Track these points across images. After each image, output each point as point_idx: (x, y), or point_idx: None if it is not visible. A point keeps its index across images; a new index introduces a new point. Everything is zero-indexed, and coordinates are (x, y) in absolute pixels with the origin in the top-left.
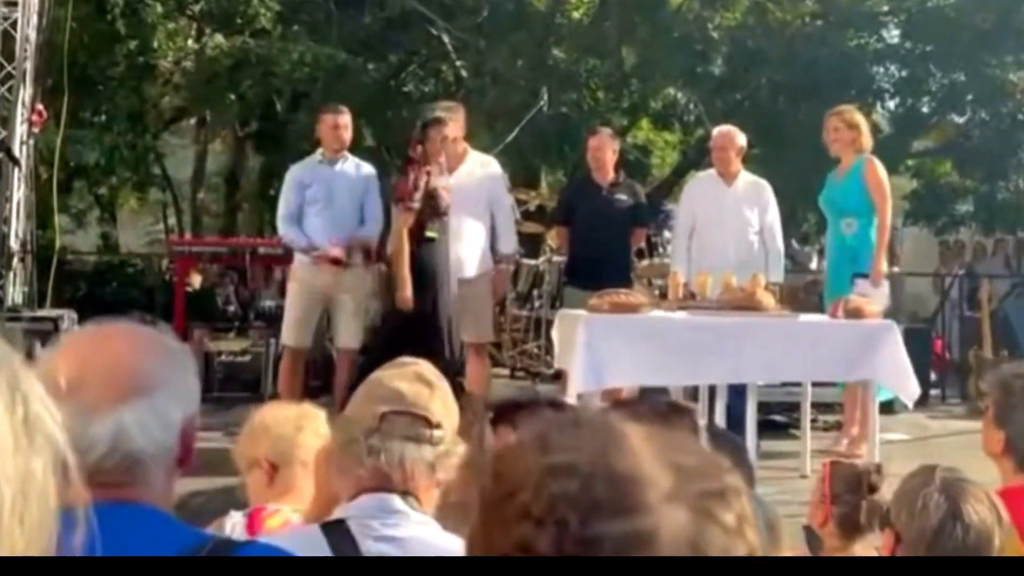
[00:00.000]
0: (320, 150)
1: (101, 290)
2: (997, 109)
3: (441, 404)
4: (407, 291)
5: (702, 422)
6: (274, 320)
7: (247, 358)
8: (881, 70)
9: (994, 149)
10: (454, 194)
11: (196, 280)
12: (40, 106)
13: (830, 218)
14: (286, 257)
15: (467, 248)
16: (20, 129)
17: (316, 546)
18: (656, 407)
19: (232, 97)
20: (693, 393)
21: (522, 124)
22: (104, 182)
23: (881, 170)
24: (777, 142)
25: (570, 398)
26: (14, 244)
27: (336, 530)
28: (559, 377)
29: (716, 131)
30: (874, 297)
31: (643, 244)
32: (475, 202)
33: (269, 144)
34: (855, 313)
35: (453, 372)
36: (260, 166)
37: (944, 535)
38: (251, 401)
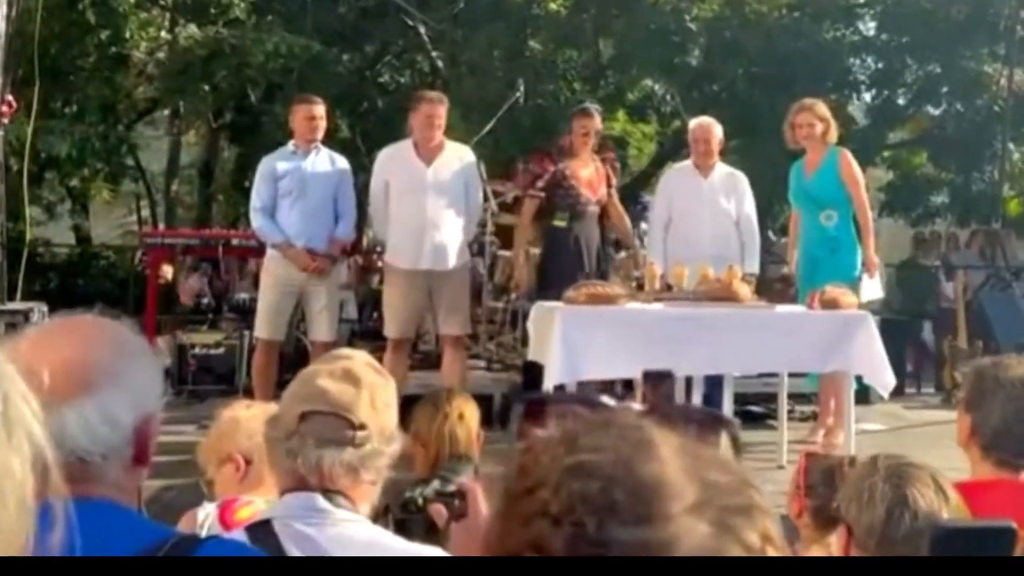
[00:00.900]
0: (293, 141)
1: (73, 282)
2: (972, 101)
3: (367, 404)
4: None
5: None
6: (248, 313)
7: (220, 351)
8: (857, 62)
9: (969, 141)
10: (433, 185)
11: (168, 272)
12: (10, 97)
13: (804, 211)
14: (260, 249)
15: (446, 239)
16: None
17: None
18: (695, 415)
19: (206, 88)
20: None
21: (498, 115)
22: (76, 174)
23: (854, 161)
24: (754, 134)
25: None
26: None
27: (261, 531)
28: (529, 369)
29: (694, 123)
30: (870, 288)
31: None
32: (454, 193)
33: (244, 135)
34: (831, 304)
35: None
36: (235, 158)
37: (892, 523)
38: (225, 394)
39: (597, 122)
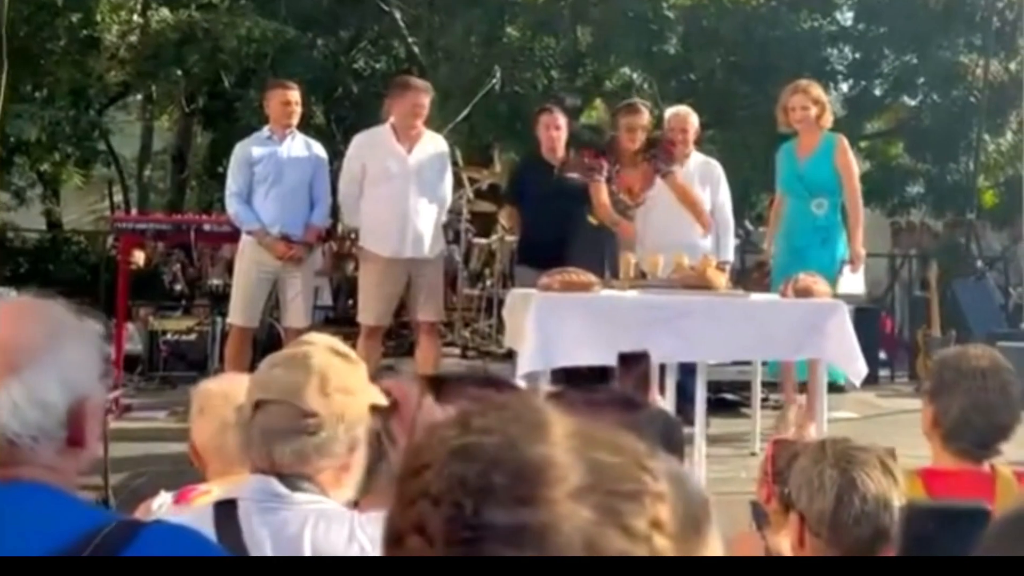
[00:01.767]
0: (268, 127)
1: (43, 268)
2: (948, 92)
3: (317, 391)
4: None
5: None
6: (221, 299)
7: (192, 337)
8: (835, 52)
9: (945, 131)
10: (415, 173)
11: (140, 258)
12: None
13: (794, 197)
14: (233, 235)
15: (426, 227)
16: None
17: (204, 522)
18: (614, 397)
19: (179, 72)
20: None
21: (475, 102)
22: (46, 159)
23: (850, 150)
24: (731, 123)
25: (519, 377)
26: None
27: (226, 509)
28: (510, 356)
29: (670, 112)
30: (851, 282)
31: None
32: (433, 181)
33: (217, 120)
34: (804, 292)
35: None
36: (208, 143)
37: (842, 507)
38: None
39: (644, 118)
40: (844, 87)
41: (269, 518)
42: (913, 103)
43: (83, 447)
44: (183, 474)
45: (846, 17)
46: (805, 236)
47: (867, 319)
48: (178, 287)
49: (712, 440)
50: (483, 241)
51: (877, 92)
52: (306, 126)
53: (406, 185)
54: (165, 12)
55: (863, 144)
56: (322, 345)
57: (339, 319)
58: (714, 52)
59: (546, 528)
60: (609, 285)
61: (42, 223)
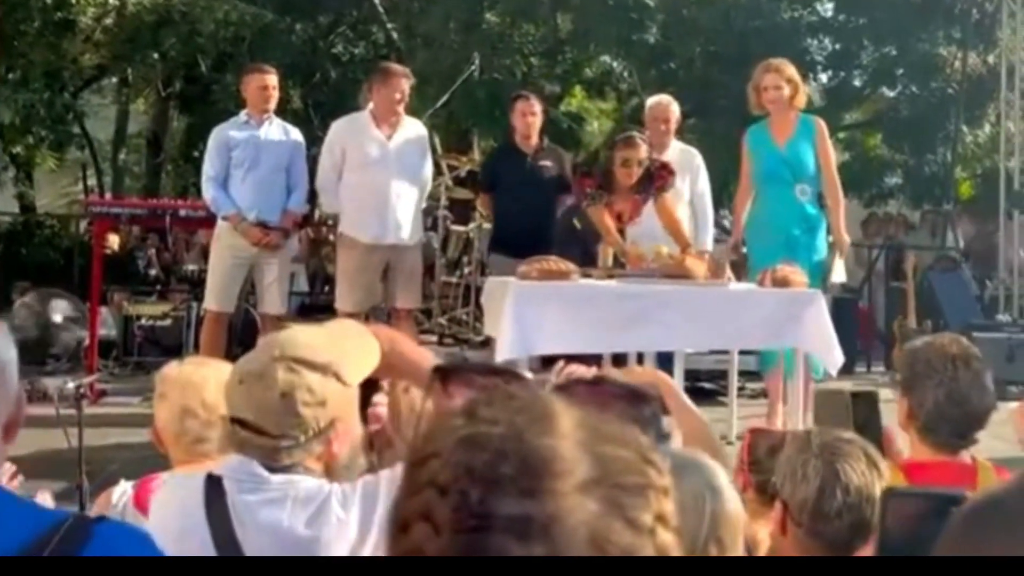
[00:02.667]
0: (246, 111)
1: (16, 251)
2: (927, 83)
3: (287, 412)
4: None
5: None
6: (196, 284)
7: (167, 322)
8: (814, 43)
9: (923, 123)
10: (396, 159)
11: (114, 242)
12: None
13: (773, 183)
14: (208, 220)
15: (407, 213)
16: None
17: (193, 491)
18: (618, 390)
19: (155, 56)
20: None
21: (454, 88)
22: (20, 141)
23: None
24: (711, 112)
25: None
26: None
27: (216, 482)
28: (488, 344)
29: (651, 101)
30: (839, 269)
31: None
32: (414, 167)
33: (193, 104)
34: (782, 282)
35: None
36: (184, 127)
37: (825, 498)
38: None
39: (641, 152)
40: (823, 78)
41: (246, 497)
42: (892, 94)
43: (9, 440)
44: (157, 460)
45: (826, 8)
46: (795, 224)
47: (844, 309)
48: (153, 272)
49: None
50: (461, 228)
51: (856, 83)
52: (283, 111)
53: (387, 171)
54: None
55: (842, 135)
56: (291, 353)
57: (315, 306)
58: (694, 41)
59: (552, 520)
60: (587, 274)
61: (15, 206)
